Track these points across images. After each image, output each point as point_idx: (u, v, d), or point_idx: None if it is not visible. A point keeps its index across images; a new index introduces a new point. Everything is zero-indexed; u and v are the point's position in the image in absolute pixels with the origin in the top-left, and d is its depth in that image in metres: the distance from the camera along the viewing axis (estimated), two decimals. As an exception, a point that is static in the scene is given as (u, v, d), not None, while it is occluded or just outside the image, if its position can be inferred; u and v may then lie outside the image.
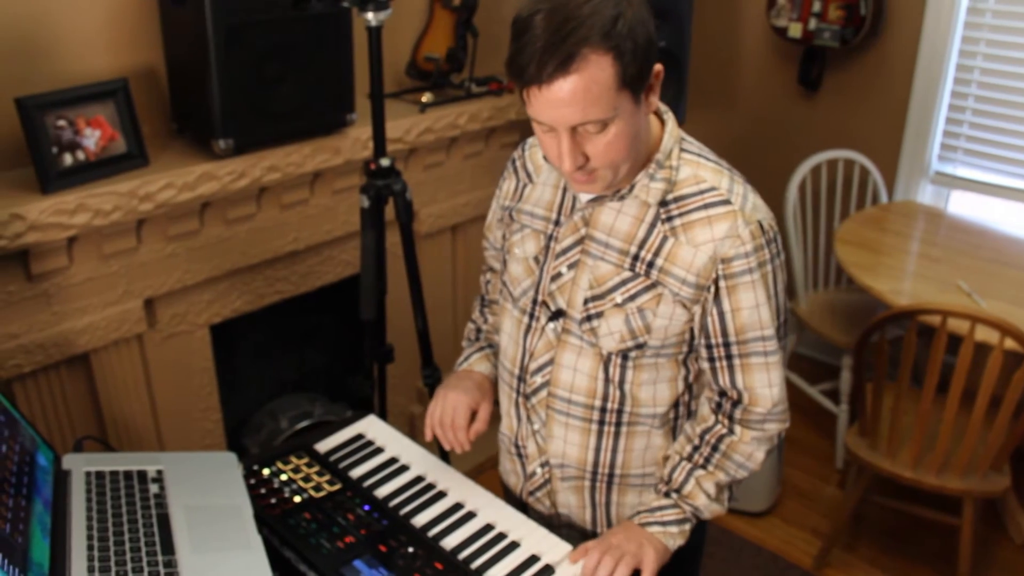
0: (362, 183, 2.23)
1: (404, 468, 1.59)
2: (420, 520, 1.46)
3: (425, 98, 2.76)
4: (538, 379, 1.49)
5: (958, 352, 2.30)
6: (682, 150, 1.37)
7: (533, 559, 1.40)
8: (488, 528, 1.45)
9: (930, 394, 2.39)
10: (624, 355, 1.40)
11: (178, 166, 2.20)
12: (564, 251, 1.42)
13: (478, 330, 1.73)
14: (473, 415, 1.55)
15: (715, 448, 1.45)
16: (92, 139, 2.10)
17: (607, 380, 1.43)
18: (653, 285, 1.35)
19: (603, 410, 1.45)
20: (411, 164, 2.80)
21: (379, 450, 1.64)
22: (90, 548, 1.27)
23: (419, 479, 1.57)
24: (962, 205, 3.36)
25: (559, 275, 1.43)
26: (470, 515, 1.48)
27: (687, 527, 1.46)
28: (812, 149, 3.41)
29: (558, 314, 1.44)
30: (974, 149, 3.23)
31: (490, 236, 1.65)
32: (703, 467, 1.45)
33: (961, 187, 3.30)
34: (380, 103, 2.18)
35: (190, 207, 2.25)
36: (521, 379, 1.52)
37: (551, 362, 1.46)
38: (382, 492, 1.53)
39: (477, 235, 3.17)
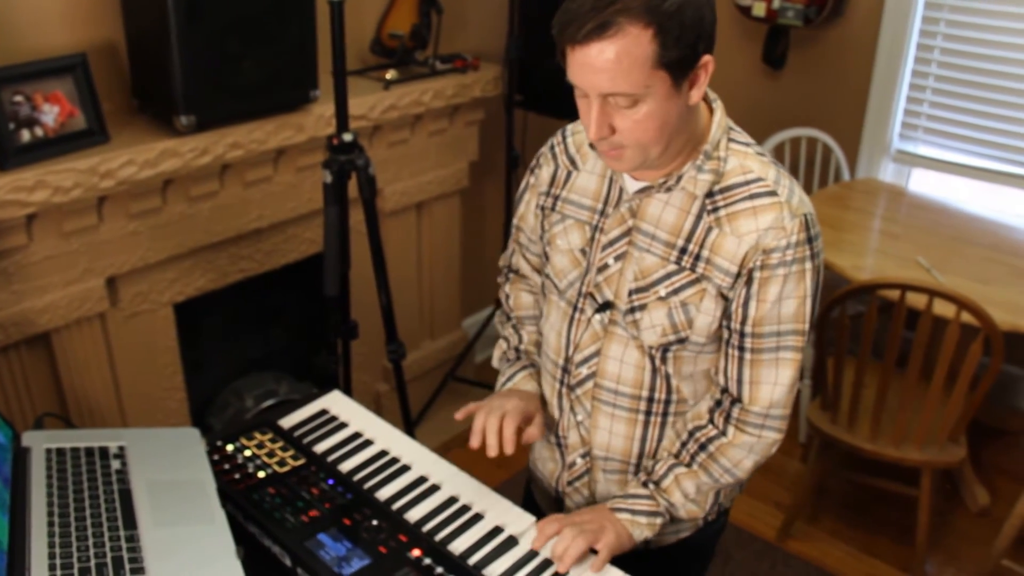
0: (325, 159, 2.22)
1: (368, 443, 1.60)
2: (384, 493, 1.47)
3: (389, 75, 2.74)
4: (583, 370, 1.47)
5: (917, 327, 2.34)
6: (730, 140, 1.35)
7: (497, 530, 1.41)
8: (452, 500, 1.47)
9: (890, 367, 2.43)
10: (664, 349, 1.39)
11: (139, 143, 2.17)
12: (611, 243, 1.40)
13: (516, 349, 1.66)
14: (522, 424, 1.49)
15: (703, 447, 1.43)
16: (51, 115, 2.07)
17: (654, 371, 1.42)
18: (698, 280, 1.34)
19: (650, 400, 1.45)
20: (375, 142, 2.79)
21: (343, 425, 1.65)
22: (51, 524, 1.26)
23: (383, 453, 1.57)
24: (922, 183, 3.41)
25: (606, 267, 1.41)
26: (434, 488, 1.49)
27: (658, 521, 1.44)
28: (776, 127, 3.44)
29: (605, 306, 1.42)
30: (934, 128, 3.27)
31: (525, 228, 1.59)
32: (687, 465, 1.44)
33: (921, 165, 3.34)
34: (342, 76, 2.16)
35: (152, 184, 2.22)
36: (566, 370, 1.50)
37: (597, 353, 1.45)
38: (346, 466, 1.53)
39: (442, 213, 3.17)
